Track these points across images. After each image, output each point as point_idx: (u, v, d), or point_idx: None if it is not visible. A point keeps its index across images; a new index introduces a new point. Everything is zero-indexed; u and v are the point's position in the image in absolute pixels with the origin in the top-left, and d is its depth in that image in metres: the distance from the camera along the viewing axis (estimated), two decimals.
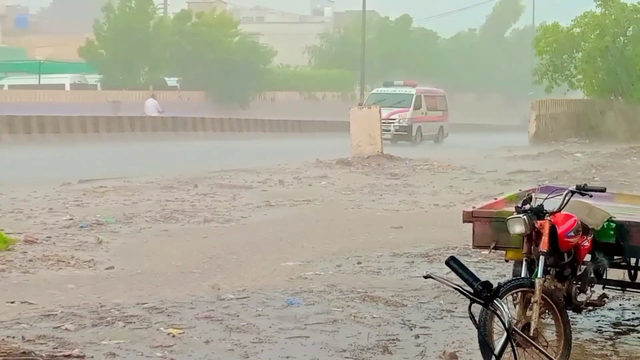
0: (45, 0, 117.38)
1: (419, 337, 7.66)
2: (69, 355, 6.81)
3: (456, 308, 8.36)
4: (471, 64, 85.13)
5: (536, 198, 6.88)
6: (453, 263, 6.38)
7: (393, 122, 40.56)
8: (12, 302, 8.45)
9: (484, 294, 6.15)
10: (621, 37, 42.19)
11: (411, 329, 7.86)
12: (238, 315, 8.04)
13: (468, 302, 6.30)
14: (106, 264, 10.43)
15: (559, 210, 6.68)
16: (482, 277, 7.92)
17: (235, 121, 50.55)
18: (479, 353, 6.23)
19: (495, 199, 8.54)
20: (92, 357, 6.84)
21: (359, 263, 10.70)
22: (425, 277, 6.50)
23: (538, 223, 6.54)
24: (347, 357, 7.09)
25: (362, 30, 65.26)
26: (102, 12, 63.32)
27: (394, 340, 7.53)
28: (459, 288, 6.23)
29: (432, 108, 43.56)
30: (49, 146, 32.55)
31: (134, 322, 7.75)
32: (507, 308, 6.15)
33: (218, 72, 63.63)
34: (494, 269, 10.15)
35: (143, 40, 60.79)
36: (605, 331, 8.06)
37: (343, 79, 77.21)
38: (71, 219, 13.41)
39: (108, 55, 61.40)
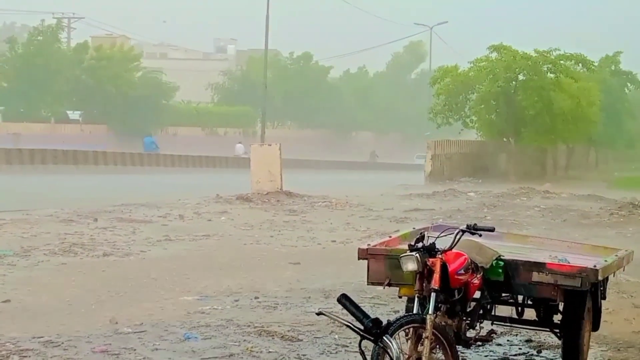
0: None
1: None
2: None
3: (351, 343, 8.52)
4: (369, 103, 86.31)
5: (429, 236, 7.07)
6: (344, 300, 6.56)
7: None
8: None
9: (374, 331, 6.34)
10: (513, 82, 43.54)
11: None
12: (135, 350, 8.06)
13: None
14: (2, 297, 10.32)
15: (450, 248, 6.87)
16: (376, 312, 8.14)
17: (137, 155, 50.26)
18: None
19: (390, 236, 8.71)
20: None
21: (256, 298, 10.81)
22: (318, 314, 6.67)
23: (430, 261, 6.70)
24: None
25: (264, 68, 65.62)
26: (5, 43, 62.53)
27: None
28: (350, 325, 6.41)
29: None
30: None
31: (29, 357, 7.72)
32: (397, 344, 6.34)
33: (120, 107, 63.36)
34: (388, 304, 10.34)
35: (45, 73, 60.19)
36: None
37: (245, 116, 77.56)
38: None
39: (9, 87, 60.58)
